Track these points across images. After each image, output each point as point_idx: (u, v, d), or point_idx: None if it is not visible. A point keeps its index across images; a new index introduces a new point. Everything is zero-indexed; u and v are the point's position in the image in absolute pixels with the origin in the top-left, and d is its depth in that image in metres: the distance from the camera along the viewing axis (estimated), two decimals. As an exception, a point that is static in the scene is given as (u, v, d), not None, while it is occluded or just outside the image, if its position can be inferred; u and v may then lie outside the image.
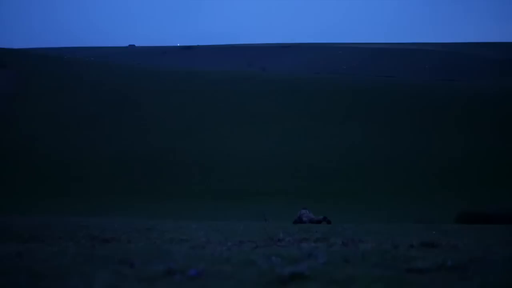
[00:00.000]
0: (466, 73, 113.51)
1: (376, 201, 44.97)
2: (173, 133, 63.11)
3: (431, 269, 5.12)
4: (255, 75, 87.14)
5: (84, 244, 8.57)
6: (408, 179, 51.07)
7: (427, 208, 36.64)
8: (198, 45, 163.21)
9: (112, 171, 55.08)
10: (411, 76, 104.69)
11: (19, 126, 65.02)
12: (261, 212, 26.17)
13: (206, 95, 73.07)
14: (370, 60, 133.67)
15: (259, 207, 34.66)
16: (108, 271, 4.95)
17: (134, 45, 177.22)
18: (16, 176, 53.76)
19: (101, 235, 9.94)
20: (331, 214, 20.44)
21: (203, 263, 5.39)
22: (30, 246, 7.80)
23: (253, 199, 44.95)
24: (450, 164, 53.63)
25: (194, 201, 45.68)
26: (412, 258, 5.78)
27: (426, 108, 67.00)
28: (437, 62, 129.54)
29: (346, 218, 24.82)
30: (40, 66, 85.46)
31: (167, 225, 14.27)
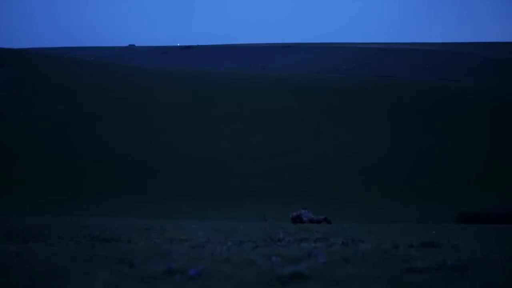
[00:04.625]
0: (466, 73, 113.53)
1: (376, 201, 44.98)
2: (173, 133, 63.11)
3: (431, 269, 5.12)
4: (255, 75, 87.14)
5: (84, 244, 8.57)
6: (408, 179, 51.07)
7: (427, 208, 36.65)
8: (198, 45, 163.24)
9: (112, 171, 55.08)
10: (411, 76, 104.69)
11: (19, 125, 65.02)
12: (261, 212, 26.18)
13: (206, 95, 73.06)
14: (370, 60, 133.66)
15: (259, 207, 34.66)
16: (108, 271, 4.95)
17: (134, 45, 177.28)
18: (15, 176, 53.76)
19: (101, 235, 9.94)
20: (331, 214, 20.45)
21: (203, 263, 5.39)
22: (30, 246, 7.80)
23: (253, 199, 44.96)
24: (450, 164, 53.63)
25: (194, 201, 45.70)
26: (412, 258, 5.77)
27: (426, 108, 67.00)
28: (437, 62, 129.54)
29: (346, 218, 24.83)
30: (40, 66, 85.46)
31: (167, 225, 14.27)
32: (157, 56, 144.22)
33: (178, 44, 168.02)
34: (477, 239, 9.78)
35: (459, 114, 65.03)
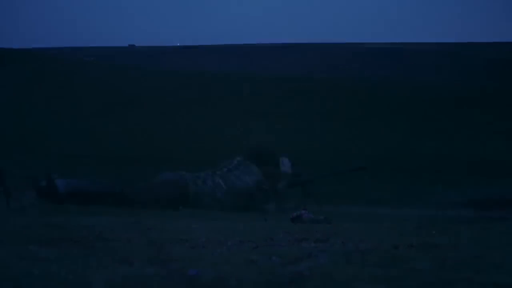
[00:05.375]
0: (466, 73, 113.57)
1: (376, 201, 44.92)
2: (172, 133, 63.06)
3: (431, 269, 5.12)
4: (255, 75, 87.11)
5: (84, 244, 8.57)
6: (408, 179, 51.01)
7: (427, 207, 36.62)
8: (198, 45, 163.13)
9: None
10: (411, 76, 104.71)
11: (18, 126, 64.98)
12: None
13: (206, 95, 73.02)
14: (370, 60, 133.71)
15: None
16: (108, 271, 4.96)
17: (134, 45, 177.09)
18: (15, 176, 53.77)
19: (101, 235, 9.94)
20: (331, 214, 20.45)
21: (203, 263, 5.39)
22: (30, 246, 7.80)
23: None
24: (450, 163, 53.57)
25: (194, 201, 45.69)
26: (412, 258, 5.77)
27: (426, 108, 66.96)
28: (437, 62, 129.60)
29: (346, 218, 24.82)
30: (40, 66, 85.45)
31: (167, 225, 14.28)
32: (157, 56, 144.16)
33: (178, 44, 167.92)
34: (477, 239, 9.78)
35: (458, 114, 65.01)
